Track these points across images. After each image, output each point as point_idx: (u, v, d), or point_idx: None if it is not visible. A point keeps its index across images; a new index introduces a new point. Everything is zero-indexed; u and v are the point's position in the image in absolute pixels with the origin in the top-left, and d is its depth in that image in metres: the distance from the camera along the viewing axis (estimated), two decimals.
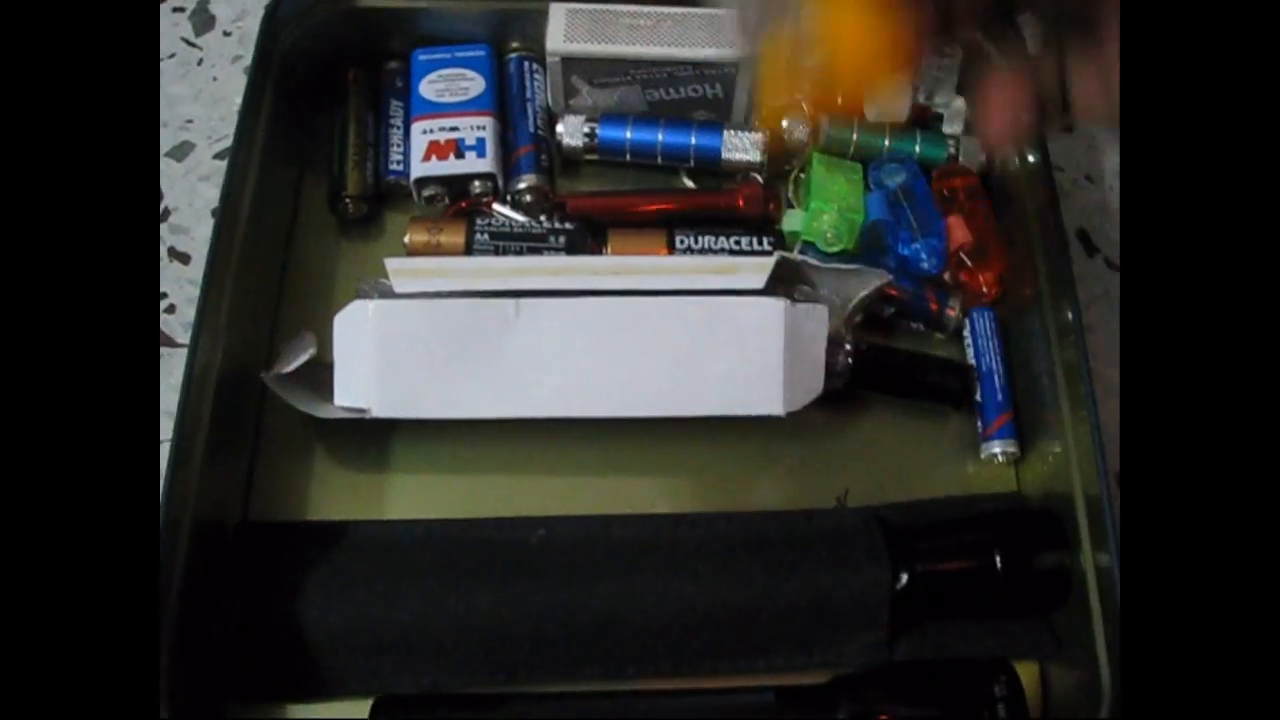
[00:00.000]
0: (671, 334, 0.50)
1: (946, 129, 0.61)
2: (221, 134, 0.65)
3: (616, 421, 0.51)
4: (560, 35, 0.58)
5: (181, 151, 0.64)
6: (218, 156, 0.64)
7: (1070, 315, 0.51)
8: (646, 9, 0.58)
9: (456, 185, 0.59)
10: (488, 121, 0.59)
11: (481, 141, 0.58)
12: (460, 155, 0.58)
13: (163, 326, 0.60)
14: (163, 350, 0.59)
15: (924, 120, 0.62)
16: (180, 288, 0.61)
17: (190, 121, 0.65)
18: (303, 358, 0.53)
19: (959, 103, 0.62)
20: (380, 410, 0.51)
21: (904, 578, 0.50)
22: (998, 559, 0.50)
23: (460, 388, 0.51)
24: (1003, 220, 0.59)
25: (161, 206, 0.63)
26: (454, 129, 0.59)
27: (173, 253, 0.62)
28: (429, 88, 0.60)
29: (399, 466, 0.55)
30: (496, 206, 0.59)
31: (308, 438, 0.55)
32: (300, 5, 0.59)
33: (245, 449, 0.55)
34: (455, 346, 0.51)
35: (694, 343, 0.50)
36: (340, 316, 0.52)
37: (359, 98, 0.62)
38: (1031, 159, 0.57)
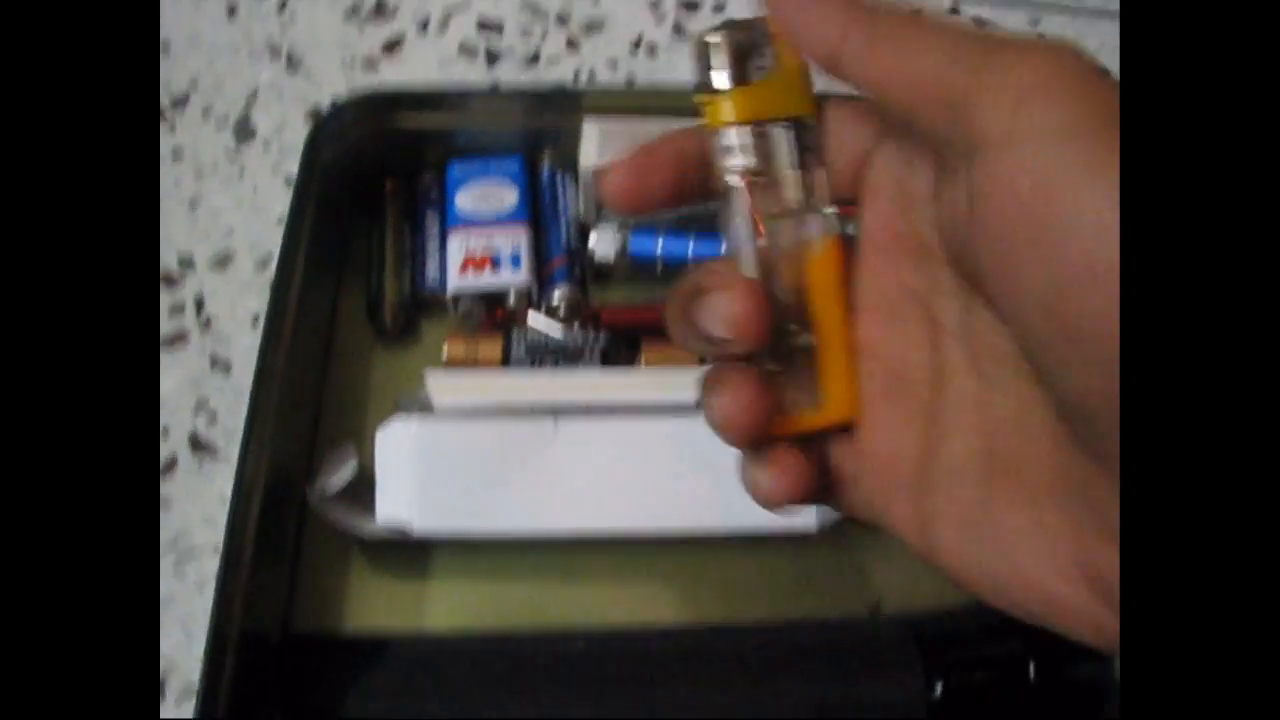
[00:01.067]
0: (706, 451, 0.51)
1: None
2: (263, 243, 0.67)
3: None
4: (594, 153, 0.59)
5: (224, 262, 0.66)
6: (258, 266, 0.66)
7: None
8: (679, 125, 0.60)
9: (492, 297, 0.60)
10: (522, 234, 0.61)
11: (516, 255, 0.60)
12: (496, 268, 0.60)
13: (205, 436, 0.61)
14: (204, 460, 0.60)
15: None
16: (223, 396, 0.62)
17: (232, 231, 0.67)
18: (345, 475, 0.54)
19: None
20: (421, 528, 0.52)
21: (939, 688, 0.51)
22: (1031, 669, 0.51)
23: (500, 504, 0.52)
24: None
25: (204, 315, 0.64)
26: (490, 241, 0.60)
27: (215, 361, 0.63)
28: (465, 199, 0.62)
29: (438, 576, 0.56)
30: (531, 317, 0.60)
31: (346, 547, 0.57)
32: (340, 126, 0.61)
33: (286, 559, 0.56)
34: (495, 464, 0.52)
35: (728, 460, 0.51)
36: (381, 433, 0.53)
37: (396, 209, 0.63)
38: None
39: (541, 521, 0.53)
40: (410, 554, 0.56)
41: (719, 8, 0.77)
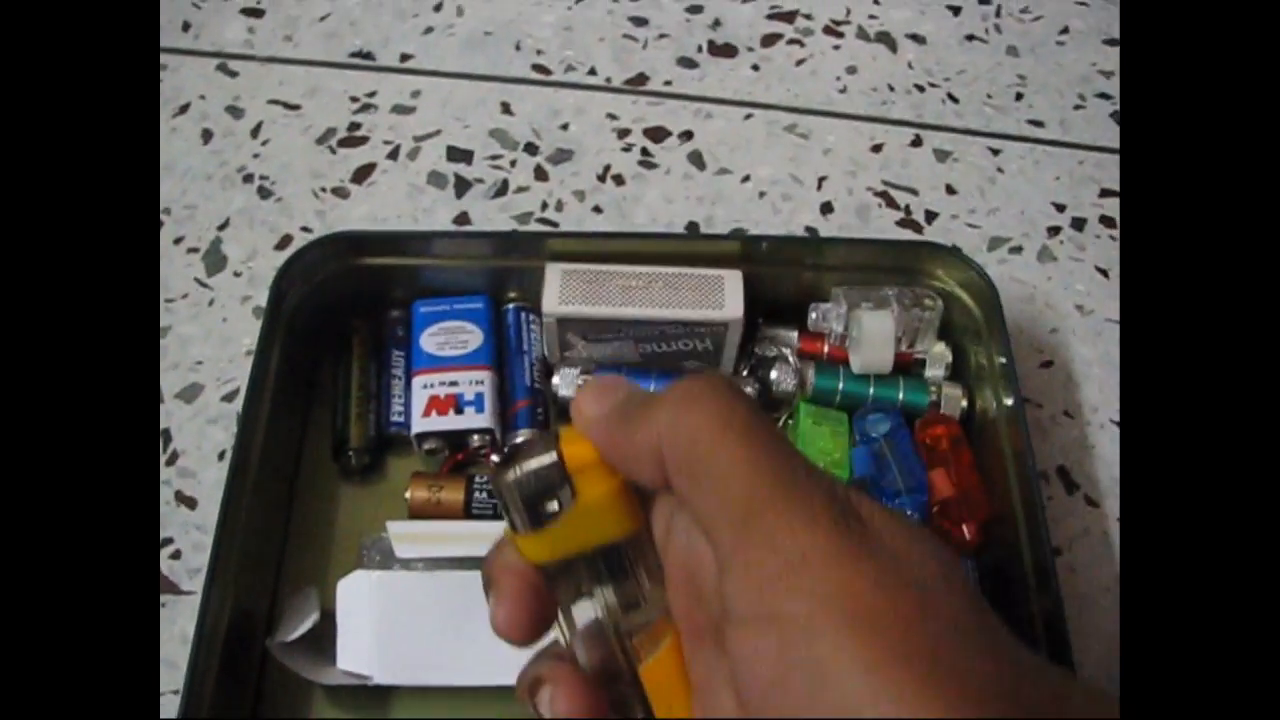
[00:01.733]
0: None
1: (928, 374, 0.64)
2: (229, 376, 0.67)
3: None
4: (555, 297, 0.60)
5: (191, 393, 0.67)
6: (225, 399, 0.66)
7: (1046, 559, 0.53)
8: (639, 269, 0.61)
9: (456, 439, 0.61)
10: (486, 376, 0.61)
11: (480, 397, 0.61)
12: (460, 411, 0.60)
13: (167, 573, 0.61)
14: (166, 597, 0.60)
15: (906, 366, 0.64)
16: (186, 533, 0.62)
17: (200, 363, 0.68)
18: (307, 624, 0.54)
19: (940, 347, 0.64)
20: (382, 677, 0.53)
21: None
22: None
23: (460, 655, 0.53)
24: (983, 464, 0.61)
25: (170, 449, 0.65)
26: (453, 384, 0.61)
27: (179, 497, 0.63)
28: (429, 340, 0.63)
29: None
30: (495, 459, 0.61)
31: (309, 689, 0.56)
32: (306, 266, 0.62)
33: (248, 700, 0.56)
34: (455, 616, 0.53)
35: None
36: (343, 584, 0.54)
37: (362, 348, 0.64)
38: (1009, 401, 0.60)
39: (502, 674, 0.53)
40: (372, 697, 0.56)
41: (685, 135, 0.78)
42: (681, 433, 0.27)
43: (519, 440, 0.61)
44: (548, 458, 0.28)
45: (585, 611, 0.31)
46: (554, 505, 0.28)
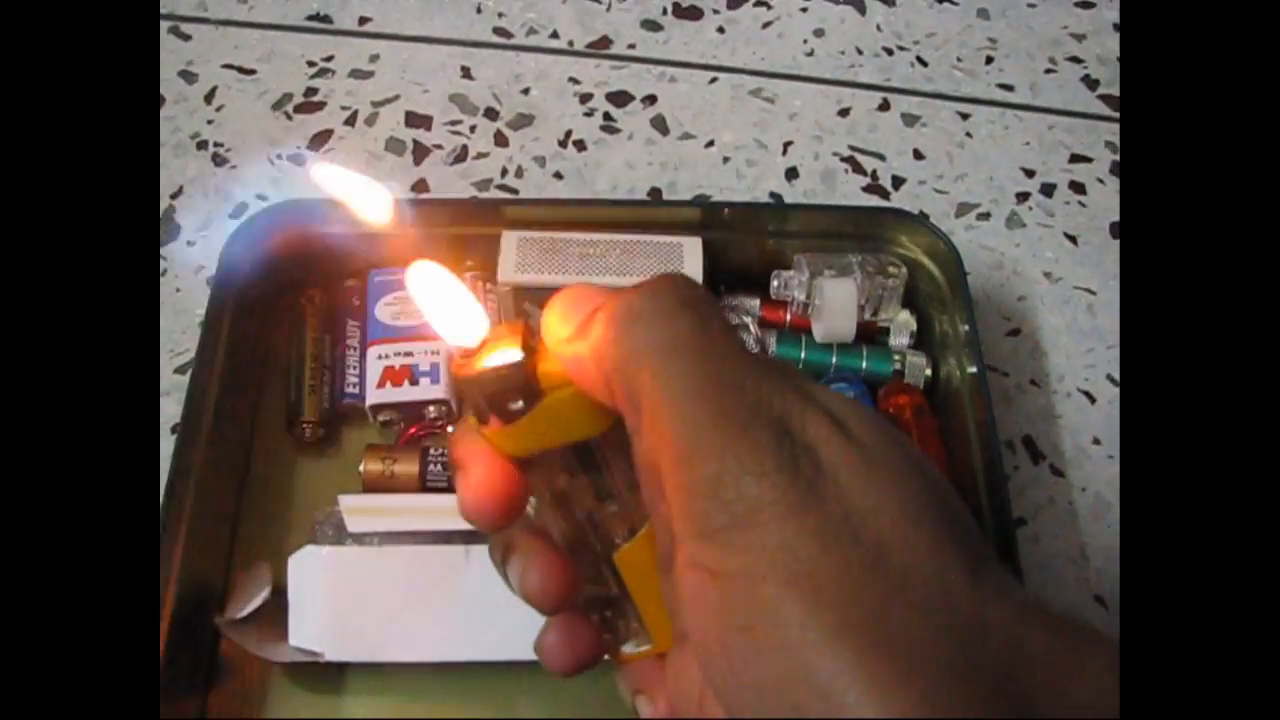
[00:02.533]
0: None
1: (892, 342, 0.63)
2: (183, 347, 0.66)
3: None
4: (511, 265, 0.59)
5: None
6: (179, 370, 0.65)
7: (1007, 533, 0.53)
8: (596, 237, 0.60)
9: (411, 410, 0.60)
10: (441, 346, 0.60)
11: (435, 367, 0.60)
12: (414, 382, 0.59)
13: None
14: None
15: (869, 334, 0.63)
16: None
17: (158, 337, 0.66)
18: (257, 601, 0.53)
19: (904, 315, 0.63)
20: (334, 654, 0.52)
21: None
22: None
23: (414, 631, 0.52)
24: (947, 433, 0.60)
25: None
26: (408, 354, 0.60)
27: None
28: (384, 310, 0.62)
29: (354, 695, 0.55)
30: (451, 430, 0.60)
31: (264, 666, 0.56)
32: (258, 233, 0.61)
33: (200, 677, 0.55)
34: (408, 591, 0.52)
35: None
36: (294, 559, 0.53)
37: (316, 319, 0.63)
38: (972, 370, 0.59)
39: (454, 650, 0.52)
40: (326, 674, 0.56)
41: (649, 99, 0.77)
42: (620, 358, 0.25)
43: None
44: (512, 356, 0.27)
45: (560, 496, 0.31)
46: (518, 404, 0.28)
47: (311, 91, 0.77)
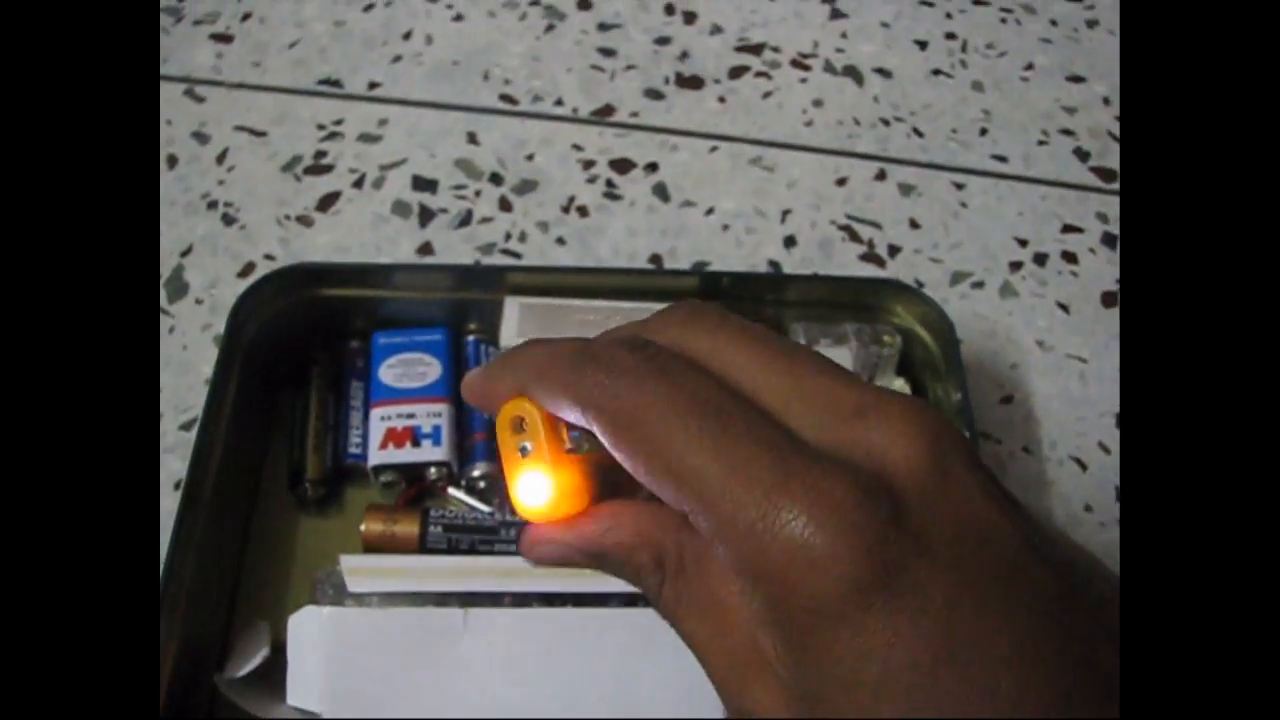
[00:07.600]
0: (619, 643, 0.52)
1: None
2: (187, 404, 0.67)
3: None
4: (513, 330, 0.61)
5: None
6: (183, 427, 0.66)
7: None
8: (598, 304, 0.61)
9: (412, 471, 0.61)
10: (444, 409, 0.61)
11: (437, 429, 0.61)
12: (416, 443, 0.60)
13: None
14: None
15: None
16: None
17: (159, 390, 0.67)
18: (256, 660, 0.54)
19: (899, 383, 0.65)
20: (330, 715, 0.52)
21: None
22: None
23: (411, 693, 0.52)
24: None
25: None
26: (411, 416, 0.61)
27: None
28: (388, 372, 0.63)
29: None
30: (452, 492, 0.60)
31: None
32: (266, 296, 0.62)
33: None
34: (406, 653, 0.52)
35: (642, 651, 0.52)
36: (294, 619, 0.53)
37: (321, 380, 0.64)
38: (965, 434, 0.60)
39: (451, 711, 0.53)
40: None
41: (651, 167, 0.79)
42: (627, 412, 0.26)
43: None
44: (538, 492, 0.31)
45: None
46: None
47: (321, 154, 0.79)
